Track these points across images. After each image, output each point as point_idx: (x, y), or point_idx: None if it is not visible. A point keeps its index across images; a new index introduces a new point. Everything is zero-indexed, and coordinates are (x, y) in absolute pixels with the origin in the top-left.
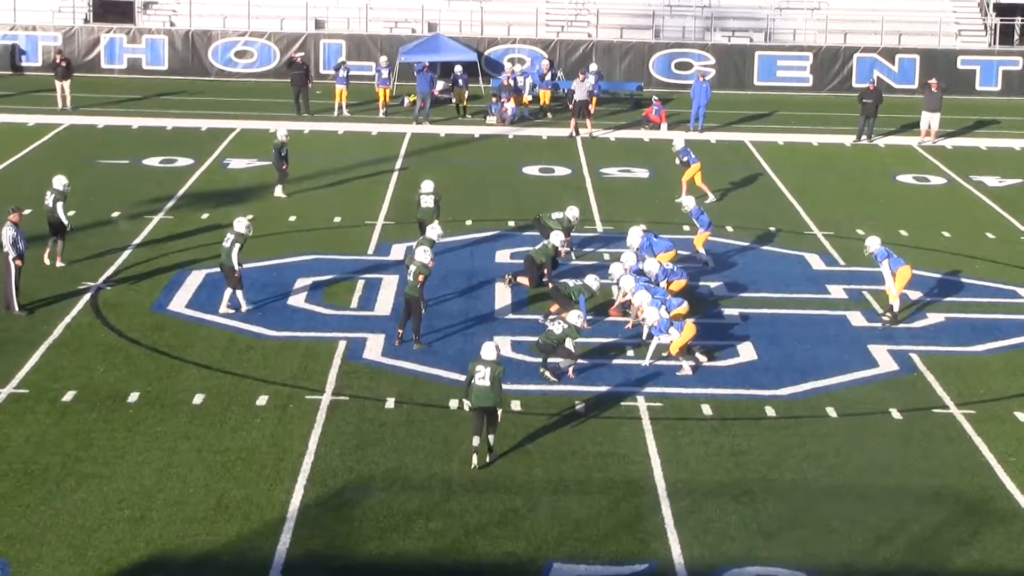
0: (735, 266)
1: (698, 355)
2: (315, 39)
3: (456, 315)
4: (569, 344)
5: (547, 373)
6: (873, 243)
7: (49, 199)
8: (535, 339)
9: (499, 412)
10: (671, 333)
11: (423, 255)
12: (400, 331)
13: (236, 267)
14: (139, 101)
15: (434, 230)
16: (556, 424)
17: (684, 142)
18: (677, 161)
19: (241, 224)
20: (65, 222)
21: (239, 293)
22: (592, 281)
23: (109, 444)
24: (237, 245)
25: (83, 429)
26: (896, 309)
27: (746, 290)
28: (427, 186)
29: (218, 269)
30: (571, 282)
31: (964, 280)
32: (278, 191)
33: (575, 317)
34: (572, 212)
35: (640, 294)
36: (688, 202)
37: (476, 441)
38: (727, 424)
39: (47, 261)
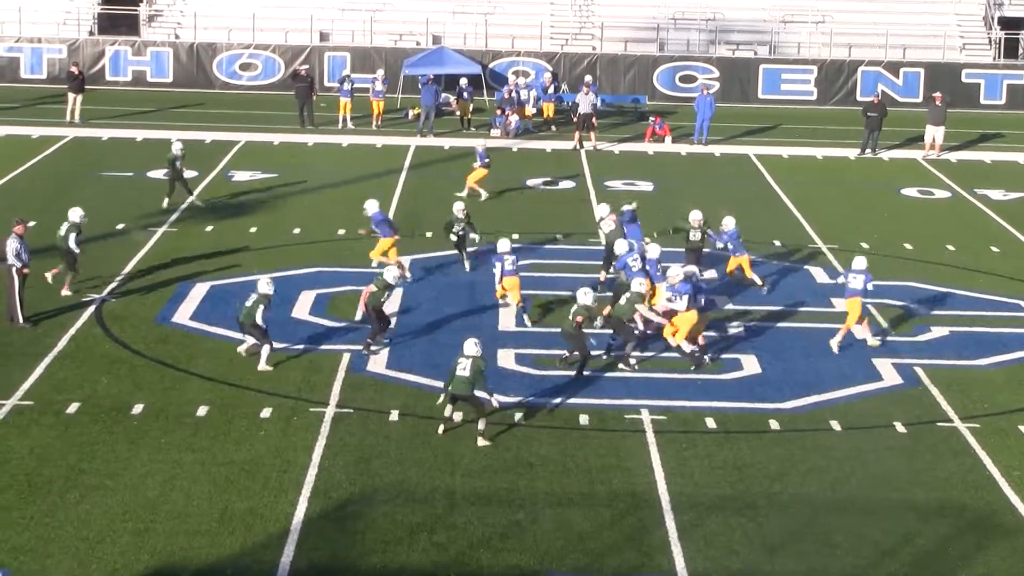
0: (739, 279)
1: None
2: (320, 52)
3: (460, 329)
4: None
5: (559, 363)
6: (729, 223)
7: (63, 229)
8: (538, 352)
9: (493, 398)
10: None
11: (584, 297)
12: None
13: (261, 324)
14: (144, 113)
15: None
16: (559, 437)
17: (483, 147)
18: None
19: (265, 284)
20: (76, 251)
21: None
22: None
23: (113, 456)
24: (261, 307)
25: (87, 441)
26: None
27: (750, 303)
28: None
29: (222, 282)
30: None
31: (968, 294)
32: (192, 199)
33: (583, 295)
34: (694, 216)
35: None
36: (728, 223)
37: (448, 411)
38: (731, 437)
39: (49, 279)
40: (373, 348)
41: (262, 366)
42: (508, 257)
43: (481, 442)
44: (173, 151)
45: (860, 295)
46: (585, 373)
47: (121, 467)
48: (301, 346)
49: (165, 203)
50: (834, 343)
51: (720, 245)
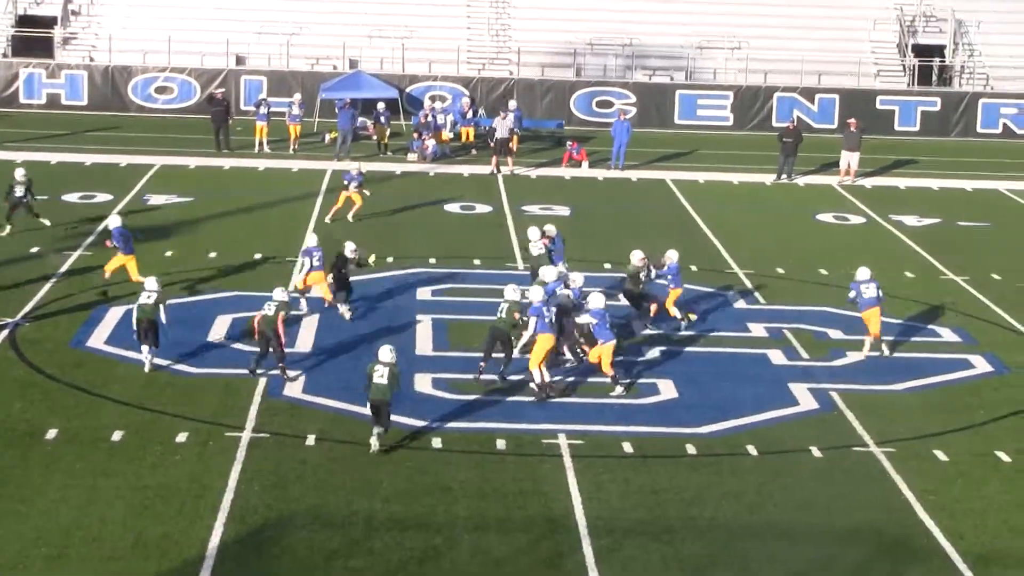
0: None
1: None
2: (236, 75)
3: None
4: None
5: (479, 377)
6: (672, 256)
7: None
8: (455, 376)
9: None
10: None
11: (513, 293)
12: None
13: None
14: (58, 136)
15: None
16: (477, 462)
17: (358, 170)
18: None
19: (153, 282)
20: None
21: (146, 349)
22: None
23: (26, 481)
24: (161, 306)
25: None
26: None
27: (667, 328)
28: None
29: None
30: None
31: (883, 319)
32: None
33: (511, 291)
34: (635, 256)
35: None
36: (672, 256)
37: (377, 430)
38: (648, 462)
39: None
40: (290, 373)
41: (148, 369)
42: (316, 253)
43: (375, 446)
44: (16, 177)
45: (876, 304)
46: (508, 377)
47: (34, 493)
48: (217, 370)
49: (7, 231)
50: (866, 352)
51: (664, 280)
